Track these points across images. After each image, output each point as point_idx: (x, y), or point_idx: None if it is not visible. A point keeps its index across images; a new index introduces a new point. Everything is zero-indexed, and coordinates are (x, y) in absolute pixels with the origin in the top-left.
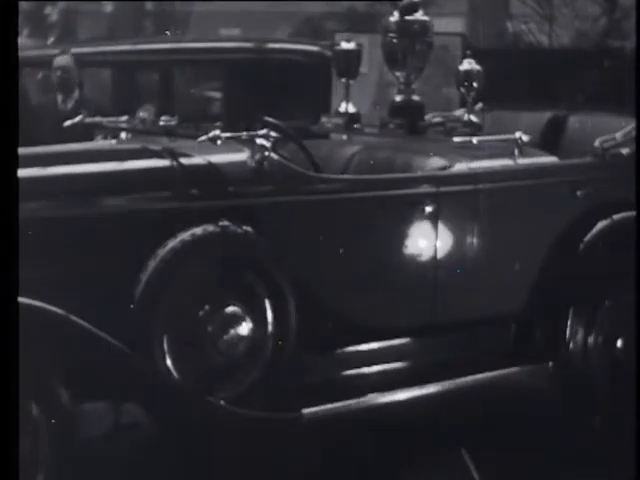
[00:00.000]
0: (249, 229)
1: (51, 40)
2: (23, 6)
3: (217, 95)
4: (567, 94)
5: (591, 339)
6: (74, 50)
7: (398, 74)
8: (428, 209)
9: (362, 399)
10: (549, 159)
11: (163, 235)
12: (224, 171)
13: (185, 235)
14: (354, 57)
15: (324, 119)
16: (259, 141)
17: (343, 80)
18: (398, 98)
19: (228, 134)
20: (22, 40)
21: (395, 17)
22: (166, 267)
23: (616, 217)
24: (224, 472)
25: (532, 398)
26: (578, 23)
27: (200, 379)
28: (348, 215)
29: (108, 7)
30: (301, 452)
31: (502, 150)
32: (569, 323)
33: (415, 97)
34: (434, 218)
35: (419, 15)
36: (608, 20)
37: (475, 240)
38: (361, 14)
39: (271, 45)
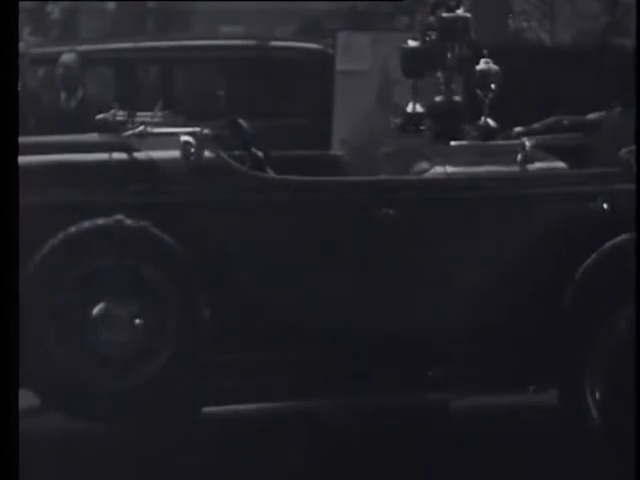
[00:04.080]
0: (147, 224)
1: (53, 38)
2: (25, 4)
3: (219, 93)
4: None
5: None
6: (79, 48)
7: (438, 75)
8: (377, 215)
9: (265, 405)
10: (557, 167)
11: (56, 228)
12: (148, 167)
13: (73, 228)
14: (420, 56)
15: (394, 119)
16: (184, 138)
17: (410, 80)
18: (438, 99)
19: (158, 130)
20: (24, 38)
21: (434, 15)
22: (47, 261)
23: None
24: (123, 466)
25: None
26: (579, 21)
27: (89, 372)
28: (279, 217)
29: (110, 5)
30: (196, 450)
31: (503, 156)
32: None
33: (456, 98)
34: (382, 225)
35: (460, 12)
36: (609, 18)
37: (435, 252)
38: (363, 12)
39: (273, 43)
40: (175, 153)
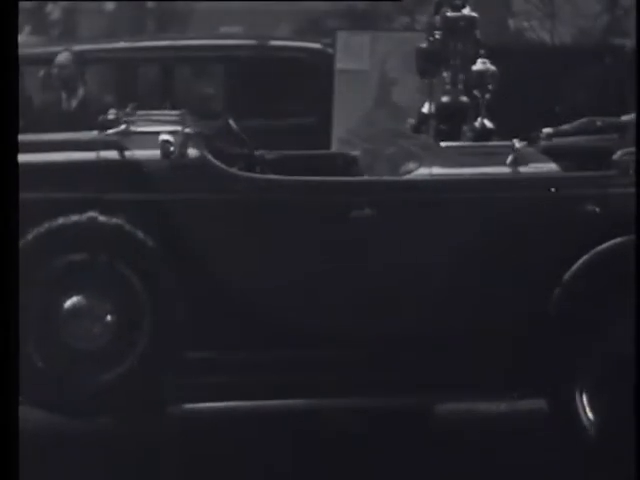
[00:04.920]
0: (121, 221)
1: (52, 38)
2: (24, 4)
3: (219, 93)
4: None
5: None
6: (79, 48)
7: (445, 74)
8: (360, 216)
9: (235, 404)
10: (548, 170)
11: (30, 224)
12: (128, 165)
13: (46, 225)
14: (435, 55)
15: (410, 120)
16: (163, 137)
17: (426, 81)
18: (444, 99)
19: (140, 128)
20: (23, 38)
21: (440, 14)
22: (21, 257)
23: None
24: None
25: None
26: (580, 20)
27: (64, 367)
28: (257, 216)
29: (109, 5)
30: (166, 447)
31: (494, 157)
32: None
33: (463, 98)
34: (362, 226)
35: (466, 11)
36: (609, 17)
37: (410, 254)
38: (362, 12)
39: (273, 43)
40: (156, 152)
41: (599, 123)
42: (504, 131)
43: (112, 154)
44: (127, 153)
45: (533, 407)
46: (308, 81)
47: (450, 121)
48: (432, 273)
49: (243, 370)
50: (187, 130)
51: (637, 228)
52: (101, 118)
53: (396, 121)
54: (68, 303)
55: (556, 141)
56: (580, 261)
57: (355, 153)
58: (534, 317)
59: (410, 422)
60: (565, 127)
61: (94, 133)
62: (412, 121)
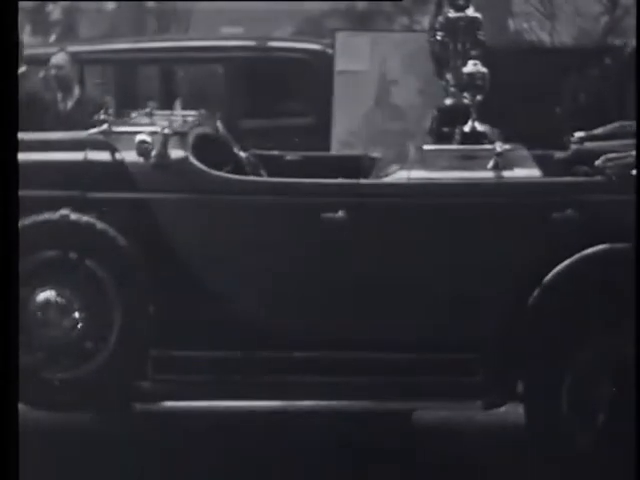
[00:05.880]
0: (93, 219)
1: (53, 38)
2: (25, 4)
3: (218, 93)
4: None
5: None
6: (75, 48)
7: (448, 76)
8: (333, 219)
9: (202, 403)
10: (529, 175)
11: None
12: (106, 164)
13: (19, 222)
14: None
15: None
16: (139, 137)
17: (443, 82)
18: (448, 102)
19: (120, 129)
20: (24, 38)
21: (443, 15)
22: None
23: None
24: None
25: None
26: (579, 21)
27: (38, 362)
28: (230, 217)
29: (110, 5)
30: (165, 447)
31: (476, 161)
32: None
33: (466, 101)
34: (340, 229)
35: (470, 12)
36: (609, 18)
37: (385, 258)
38: (362, 12)
39: (272, 43)
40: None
41: (631, 127)
42: (501, 133)
43: (89, 154)
44: (104, 153)
45: (517, 412)
46: (308, 82)
47: (453, 124)
48: (407, 278)
49: (214, 370)
50: (167, 130)
51: (637, 233)
52: (95, 118)
53: (396, 122)
54: (39, 299)
55: (587, 145)
56: (560, 267)
57: (370, 155)
58: (513, 322)
59: (397, 425)
60: (596, 131)
61: (77, 133)
62: (428, 123)
